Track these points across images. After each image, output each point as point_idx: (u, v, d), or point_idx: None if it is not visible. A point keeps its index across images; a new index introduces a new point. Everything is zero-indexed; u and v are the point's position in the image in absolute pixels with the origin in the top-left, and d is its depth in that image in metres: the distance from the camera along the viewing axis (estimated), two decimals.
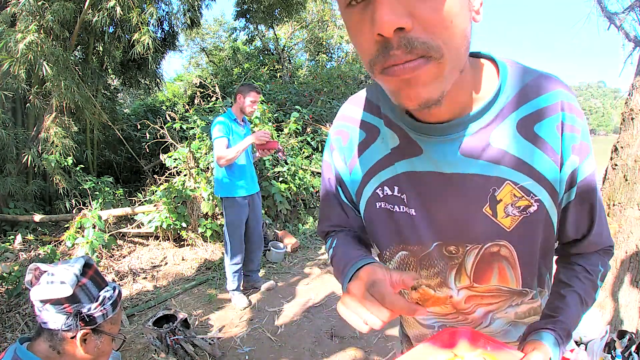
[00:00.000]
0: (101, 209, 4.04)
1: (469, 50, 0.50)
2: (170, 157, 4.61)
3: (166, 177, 4.75)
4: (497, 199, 0.60)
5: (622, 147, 2.57)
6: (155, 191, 4.32)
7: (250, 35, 11.56)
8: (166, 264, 3.83)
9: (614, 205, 2.56)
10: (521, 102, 0.58)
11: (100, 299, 0.95)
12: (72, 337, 0.91)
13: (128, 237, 4.24)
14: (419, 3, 0.41)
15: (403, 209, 0.65)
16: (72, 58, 4.53)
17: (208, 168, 4.43)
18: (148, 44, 4.46)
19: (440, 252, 0.66)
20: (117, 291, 1.01)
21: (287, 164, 5.06)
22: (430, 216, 0.64)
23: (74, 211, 4.15)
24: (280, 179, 4.99)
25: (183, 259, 3.90)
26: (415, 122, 0.60)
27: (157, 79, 6.59)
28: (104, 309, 0.95)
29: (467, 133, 0.58)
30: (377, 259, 0.71)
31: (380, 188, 0.67)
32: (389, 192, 0.66)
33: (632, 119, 2.52)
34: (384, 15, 0.40)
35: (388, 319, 0.52)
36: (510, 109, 0.58)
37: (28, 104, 4.27)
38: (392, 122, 0.64)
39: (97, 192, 4.53)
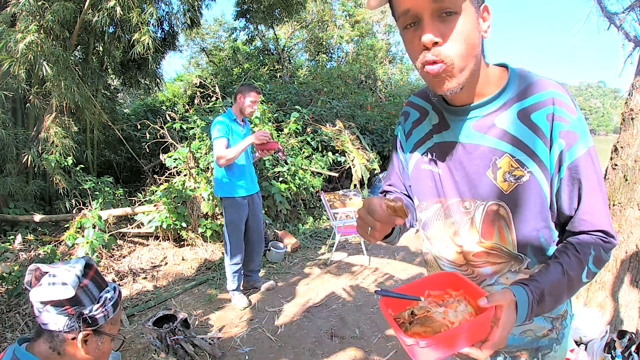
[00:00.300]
0: (101, 209, 4.04)
1: (478, 56, 0.73)
2: (170, 157, 4.60)
3: (166, 177, 4.75)
4: (497, 166, 0.78)
5: (622, 147, 2.57)
6: (155, 191, 4.32)
7: (250, 35, 11.56)
8: (166, 264, 3.83)
9: (614, 205, 2.56)
10: (522, 97, 0.76)
11: (102, 300, 0.95)
12: (72, 339, 0.91)
13: (128, 237, 4.24)
14: (445, 28, 0.68)
15: (435, 169, 0.87)
16: (72, 58, 4.52)
17: (208, 168, 4.43)
18: (148, 44, 4.45)
19: (459, 207, 0.85)
20: (117, 291, 1.00)
21: (287, 164, 5.06)
22: (451, 175, 0.84)
23: (74, 211, 4.15)
24: (280, 179, 4.99)
25: (183, 259, 3.90)
26: (447, 106, 0.83)
27: (157, 79, 6.58)
28: (105, 310, 0.95)
29: (478, 115, 0.79)
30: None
31: (425, 154, 0.89)
32: (429, 157, 0.88)
33: (632, 119, 2.52)
34: (427, 35, 0.68)
35: (379, 227, 0.75)
36: (513, 101, 0.77)
37: (28, 104, 4.27)
38: (435, 106, 0.88)
39: (97, 192, 4.53)
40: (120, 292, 1.02)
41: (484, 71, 0.77)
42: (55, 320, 0.89)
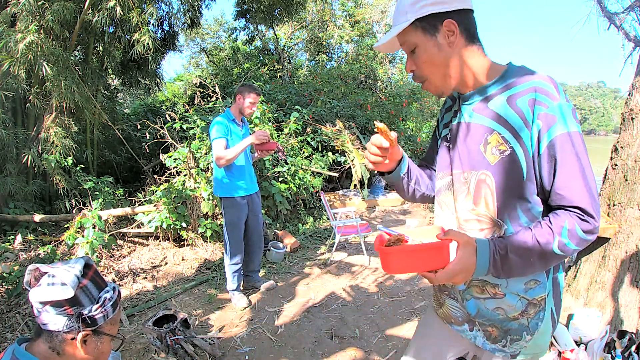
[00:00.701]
0: (101, 209, 4.04)
1: (449, 65, 0.94)
2: (170, 157, 4.60)
3: (166, 177, 4.75)
4: (488, 141, 0.93)
5: (622, 147, 2.57)
6: (155, 191, 4.32)
7: (250, 35, 11.56)
8: (166, 264, 3.83)
9: (614, 205, 2.56)
10: (513, 85, 0.91)
11: (101, 300, 0.95)
12: (72, 339, 0.91)
13: (128, 237, 4.24)
14: (416, 59, 0.96)
15: (450, 145, 1.05)
16: (72, 58, 4.52)
17: (208, 168, 4.43)
18: (148, 44, 4.45)
19: (460, 178, 1.01)
20: (116, 291, 1.01)
21: (287, 164, 5.06)
22: (458, 150, 1.01)
23: (74, 211, 4.15)
24: (280, 179, 4.99)
25: (183, 259, 3.90)
26: (460, 95, 1.02)
27: (157, 79, 6.58)
28: (105, 310, 0.95)
29: (477, 100, 0.97)
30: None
31: (447, 134, 1.08)
32: (448, 136, 1.07)
33: (632, 119, 2.52)
34: (406, 67, 1.00)
35: (372, 150, 1.01)
36: (506, 89, 0.92)
37: (28, 104, 4.27)
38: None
39: (97, 192, 4.53)
40: (119, 292, 1.03)
41: (481, 66, 0.96)
42: (54, 321, 0.89)
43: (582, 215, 0.83)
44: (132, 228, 4.19)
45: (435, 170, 1.18)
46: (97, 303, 0.94)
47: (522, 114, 0.87)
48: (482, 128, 0.94)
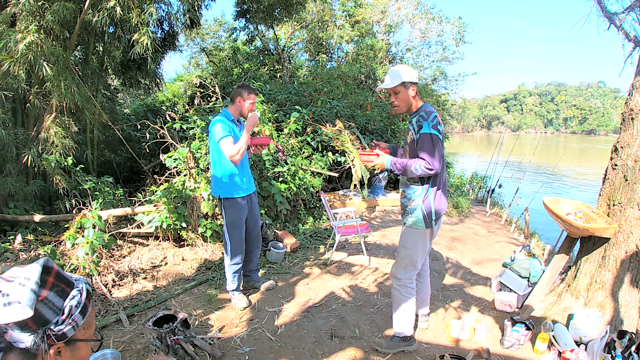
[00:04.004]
0: (101, 209, 4.04)
1: (410, 104, 2.25)
2: (170, 157, 4.60)
3: (166, 177, 4.75)
4: (410, 134, 2.27)
5: (622, 147, 2.57)
6: (155, 191, 4.31)
7: (250, 35, 11.57)
8: (166, 264, 3.83)
9: (614, 205, 2.56)
10: (417, 113, 2.23)
11: (67, 310, 0.87)
12: (45, 352, 0.85)
13: (128, 237, 4.23)
14: (395, 97, 2.26)
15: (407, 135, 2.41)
16: (72, 58, 4.52)
17: (208, 168, 4.43)
18: (147, 44, 4.45)
19: (405, 155, 2.41)
20: (84, 292, 0.91)
21: (287, 164, 5.06)
22: (406, 143, 2.45)
23: (74, 211, 4.15)
24: (280, 179, 4.99)
25: (183, 259, 3.90)
26: (408, 115, 2.40)
27: (157, 79, 6.57)
28: (73, 320, 0.87)
29: (411, 118, 2.30)
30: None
31: (407, 130, 2.43)
32: (407, 131, 2.41)
33: (632, 119, 2.52)
34: (390, 99, 2.39)
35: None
36: (415, 114, 2.25)
37: (28, 104, 4.27)
38: None
39: (97, 192, 4.52)
40: (88, 290, 0.93)
41: (416, 105, 2.24)
42: (22, 339, 0.84)
43: (425, 161, 2.07)
44: (132, 228, 4.19)
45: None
46: (63, 314, 0.86)
47: (415, 127, 2.17)
48: (410, 129, 2.22)
